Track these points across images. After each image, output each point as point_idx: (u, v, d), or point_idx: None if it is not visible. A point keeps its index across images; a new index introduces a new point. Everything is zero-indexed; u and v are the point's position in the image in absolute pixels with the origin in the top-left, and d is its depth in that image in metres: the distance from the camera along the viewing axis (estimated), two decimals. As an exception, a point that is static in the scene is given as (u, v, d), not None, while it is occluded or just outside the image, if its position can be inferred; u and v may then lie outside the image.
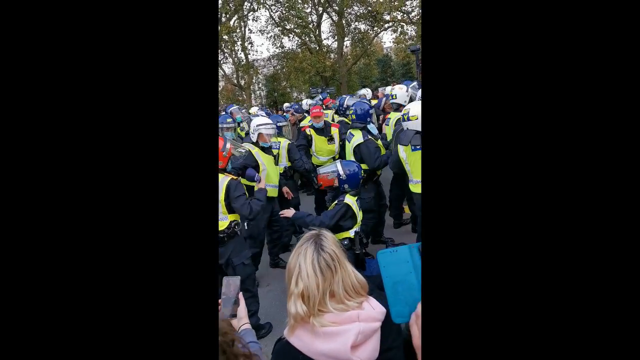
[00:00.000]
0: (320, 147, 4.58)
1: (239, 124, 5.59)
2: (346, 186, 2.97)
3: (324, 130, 4.54)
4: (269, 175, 3.45)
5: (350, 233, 2.89)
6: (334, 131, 4.59)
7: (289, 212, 2.79)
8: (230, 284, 1.11)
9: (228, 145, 2.77)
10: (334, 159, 4.58)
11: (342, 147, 4.49)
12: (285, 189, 3.84)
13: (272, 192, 3.54)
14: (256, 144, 3.53)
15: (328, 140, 4.56)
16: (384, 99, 4.97)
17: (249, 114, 5.99)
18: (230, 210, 2.67)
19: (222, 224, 2.66)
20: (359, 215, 2.97)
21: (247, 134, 4.35)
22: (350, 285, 0.99)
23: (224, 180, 2.66)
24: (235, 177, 2.73)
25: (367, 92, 6.95)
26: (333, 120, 5.69)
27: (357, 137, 3.78)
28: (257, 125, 3.53)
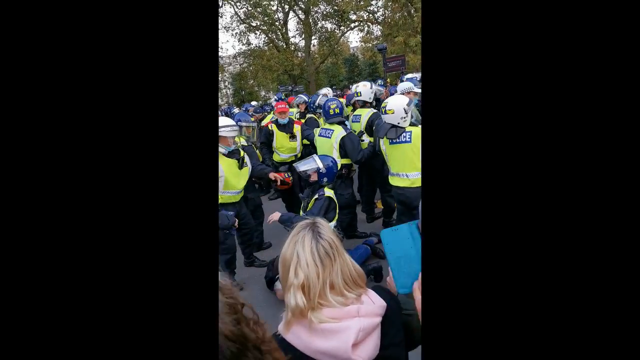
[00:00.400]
0: (282, 144, 4.52)
1: None
2: (325, 180, 3.00)
3: (286, 127, 4.49)
4: (228, 182, 3.22)
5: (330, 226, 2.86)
6: (296, 129, 4.56)
7: (276, 216, 2.74)
8: None
9: None
10: (295, 157, 4.57)
11: (309, 145, 4.46)
12: (273, 175, 3.63)
13: (234, 198, 3.34)
14: None
15: (290, 137, 4.51)
16: (354, 95, 5.02)
17: None
18: None
19: None
20: (337, 209, 2.99)
21: None
22: (348, 275, 0.92)
23: None
24: None
25: (328, 91, 6.91)
26: (297, 118, 5.66)
27: (339, 131, 3.76)
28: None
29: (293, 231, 0.99)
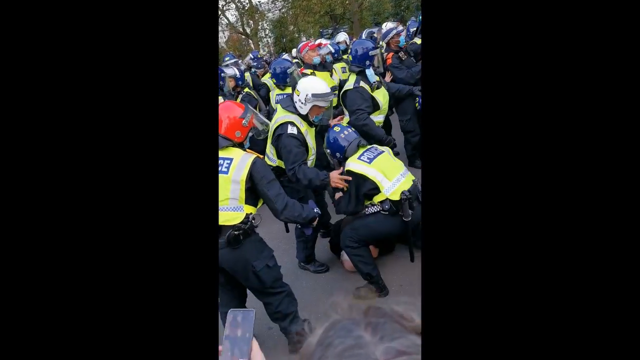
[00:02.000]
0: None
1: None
2: (338, 154, 2.53)
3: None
4: (311, 153, 2.67)
5: (385, 193, 2.33)
6: None
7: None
8: (239, 321, 0.67)
9: (249, 114, 2.11)
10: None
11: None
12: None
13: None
14: (305, 117, 2.50)
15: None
16: (389, 34, 4.28)
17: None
18: (250, 199, 2.01)
19: (236, 217, 1.95)
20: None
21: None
22: None
23: (246, 157, 1.97)
24: (260, 156, 2.09)
25: (345, 36, 6.00)
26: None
27: (350, 82, 3.26)
28: (313, 95, 2.42)
29: None
